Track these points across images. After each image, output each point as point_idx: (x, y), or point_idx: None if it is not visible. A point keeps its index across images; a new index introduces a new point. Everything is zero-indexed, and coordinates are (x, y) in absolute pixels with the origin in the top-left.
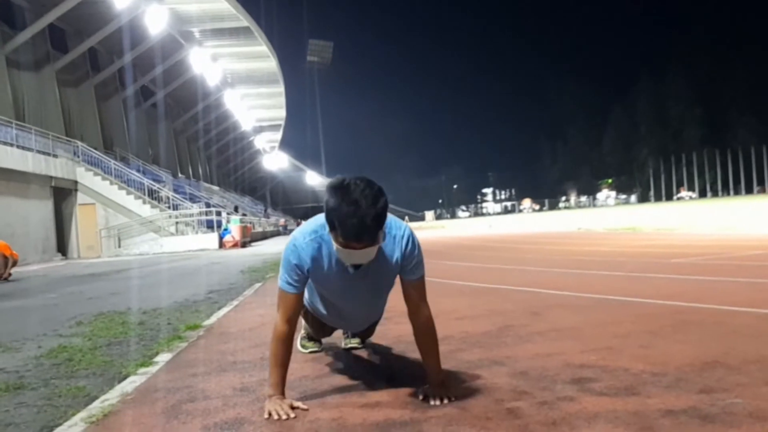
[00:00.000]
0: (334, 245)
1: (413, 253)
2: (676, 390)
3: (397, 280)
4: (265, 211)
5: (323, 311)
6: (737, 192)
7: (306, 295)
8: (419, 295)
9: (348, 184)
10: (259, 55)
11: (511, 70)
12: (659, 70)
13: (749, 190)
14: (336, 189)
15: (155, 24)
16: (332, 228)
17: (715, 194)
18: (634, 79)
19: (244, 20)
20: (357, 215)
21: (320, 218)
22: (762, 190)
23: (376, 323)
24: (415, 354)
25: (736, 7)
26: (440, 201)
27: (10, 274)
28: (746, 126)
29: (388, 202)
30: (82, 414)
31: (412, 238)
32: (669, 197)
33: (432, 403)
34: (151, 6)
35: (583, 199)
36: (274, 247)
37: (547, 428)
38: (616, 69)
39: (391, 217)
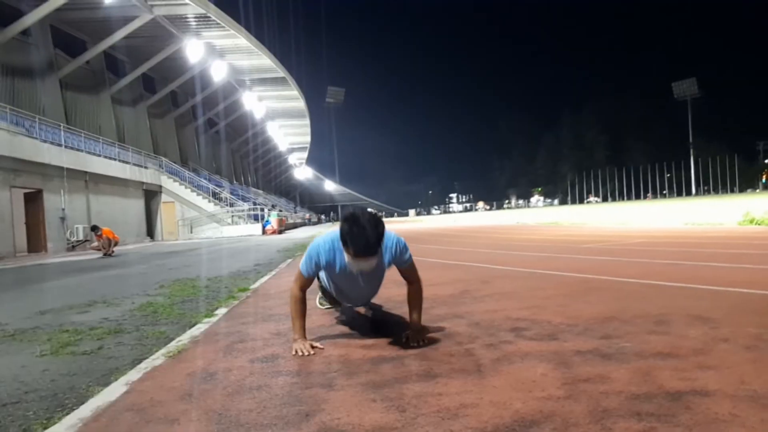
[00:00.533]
0: (346, 257)
1: (403, 253)
2: (584, 336)
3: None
4: (295, 208)
5: (334, 293)
6: (630, 198)
7: (324, 279)
8: (411, 273)
9: (357, 215)
10: (291, 98)
11: (473, 107)
12: (577, 106)
13: (638, 197)
14: (349, 218)
15: (218, 74)
16: (345, 245)
17: (614, 199)
18: (559, 113)
19: (281, 72)
20: (363, 236)
21: (336, 233)
22: (649, 197)
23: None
24: (398, 311)
25: (632, 55)
26: (419, 202)
27: (113, 251)
28: (638, 150)
29: (385, 227)
30: (163, 350)
31: (398, 243)
32: (581, 201)
33: (412, 344)
34: (215, 61)
35: (521, 201)
36: (302, 234)
37: (493, 363)
38: (547, 105)
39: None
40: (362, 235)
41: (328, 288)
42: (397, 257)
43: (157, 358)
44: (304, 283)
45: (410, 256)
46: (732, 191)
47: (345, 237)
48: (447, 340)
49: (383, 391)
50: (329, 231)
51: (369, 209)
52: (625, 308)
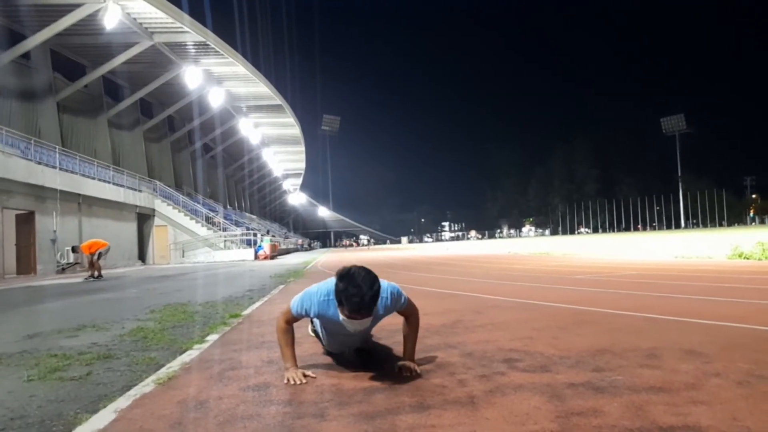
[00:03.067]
0: (341, 316)
1: (398, 300)
2: (576, 369)
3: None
4: (285, 233)
5: (325, 340)
6: (620, 230)
7: (316, 323)
8: (411, 310)
9: (353, 273)
10: (287, 125)
11: (465, 138)
12: (568, 139)
13: (628, 229)
14: (344, 276)
15: (215, 100)
16: (340, 303)
17: (604, 231)
18: (550, 146)
19: (277, 99)
20: (359, 295)
21: (333, 284)
22: (639, 230)
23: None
24: (390, 340)
25: (622, 90)
26: (412, 230)
27: (101, 269)
28: (628, 183)
29: (381, 286)
30: (153, 377)
31: (392, 293)
32: (572, 232)
33: (404, 374)
34: (213, 88)
35: (513, 231)
36: (294, 259)
37: (486, 395)
38: (538, 137)
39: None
40: (357, 294)
41: (319, 333)
42: (392, 307)
43: (147, 385)
44: (291, 319)
45: (405, 297)
46: (720, 225)
47: (340, 296)
48: (440, 371)
49: (376, 422)
50: (327, 280)
51: (365, 267)
52: (617, 341)
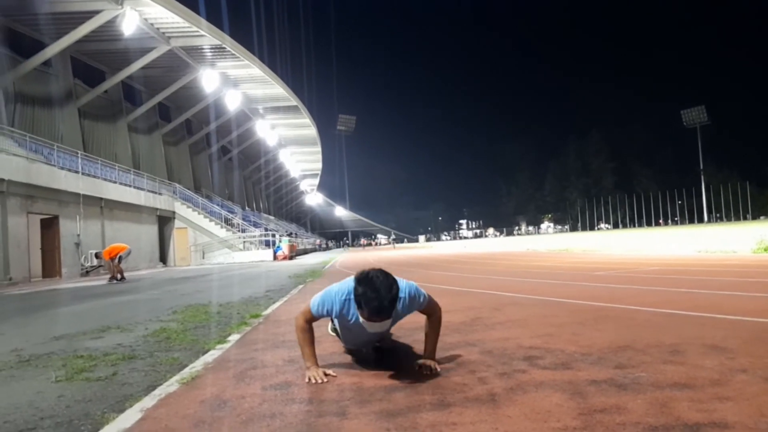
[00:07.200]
0: (360, 318)
1: (417, 299)
2: (598, 366)
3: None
4: (296, 234)
5: (344, 339)
6: (640, 225)
7: (336, 322)
8: (431, 308)
9: (371, 277)
10: (303, 125)
11: (480, 135)
12: (583, 133)
13: (649, 223)
14: (362, 280)
15: (232, 103)
16: (359, 307)
17: (624, 226)
18: (565, 140)
19: (293, 101)
20: (377, 299)
21: (352, 284)
22: (660, 224)
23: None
24: (409, 338)
25: (634, 80)
26: (429, 228)
27: (122, 271)
28: (646, 176)
29: (399, 288)
30: (176, 377)
31: (410, 292)
32: (591, 227)
33: (424, 372)
34: (229, 90)
35: (531, 228)
36: (312, 259)
37: (507, 392)
38: (552, 133)
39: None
40: (376, 298)
41: (338, 331)
42: (410, 306)
43: (171, 385)
44: (311, 318)
45: (425, 295)
46: (744, 218)
47: (359, 300)
48: (460, 369)
49: (397, 420)
50: (346, 279)
51: (383, 270)
52: (639, 337)
